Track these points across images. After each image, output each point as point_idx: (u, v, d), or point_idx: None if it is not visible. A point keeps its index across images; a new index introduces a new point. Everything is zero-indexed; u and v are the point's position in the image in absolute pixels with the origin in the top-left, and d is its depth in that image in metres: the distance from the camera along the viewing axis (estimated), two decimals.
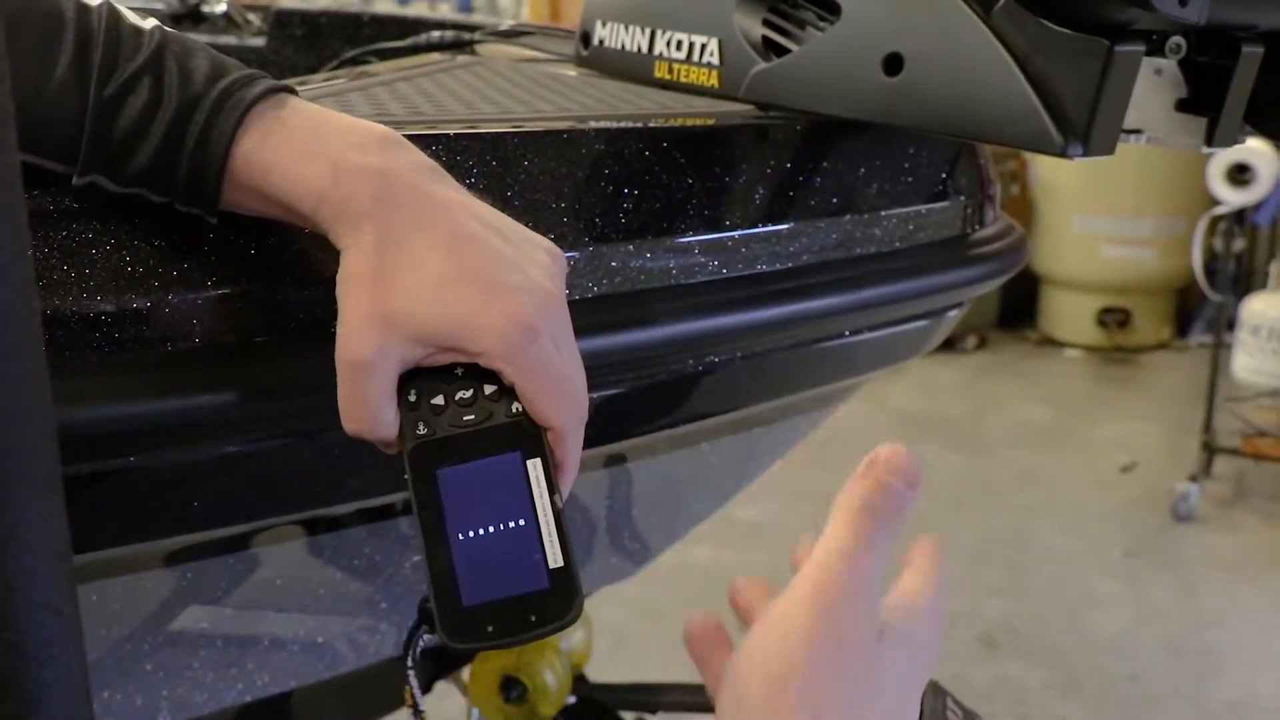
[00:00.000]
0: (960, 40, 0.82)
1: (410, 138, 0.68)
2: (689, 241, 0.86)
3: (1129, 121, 0.92)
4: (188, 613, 0.90)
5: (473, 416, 0.64)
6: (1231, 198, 3.83)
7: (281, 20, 1.86)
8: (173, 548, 0.78)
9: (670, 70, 1.00)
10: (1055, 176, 5.67)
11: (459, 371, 0.64)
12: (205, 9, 1.88)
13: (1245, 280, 5.34)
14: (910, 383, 5.48)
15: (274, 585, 0.90)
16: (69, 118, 0.65)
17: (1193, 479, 4.04)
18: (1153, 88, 0.91)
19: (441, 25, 1.42)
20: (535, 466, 0.63)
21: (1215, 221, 4.33)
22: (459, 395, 0.64)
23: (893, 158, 0.96)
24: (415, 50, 1.27)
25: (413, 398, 0.64)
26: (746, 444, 1.09)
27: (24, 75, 0.64)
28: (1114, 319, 5.66)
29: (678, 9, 0.99)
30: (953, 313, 1.08)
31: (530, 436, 0.63)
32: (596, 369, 0.69)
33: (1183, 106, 0.90)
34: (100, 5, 0.68)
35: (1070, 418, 5.01)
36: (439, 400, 0.64)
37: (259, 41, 1.86)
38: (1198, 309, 5.76)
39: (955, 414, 5.12)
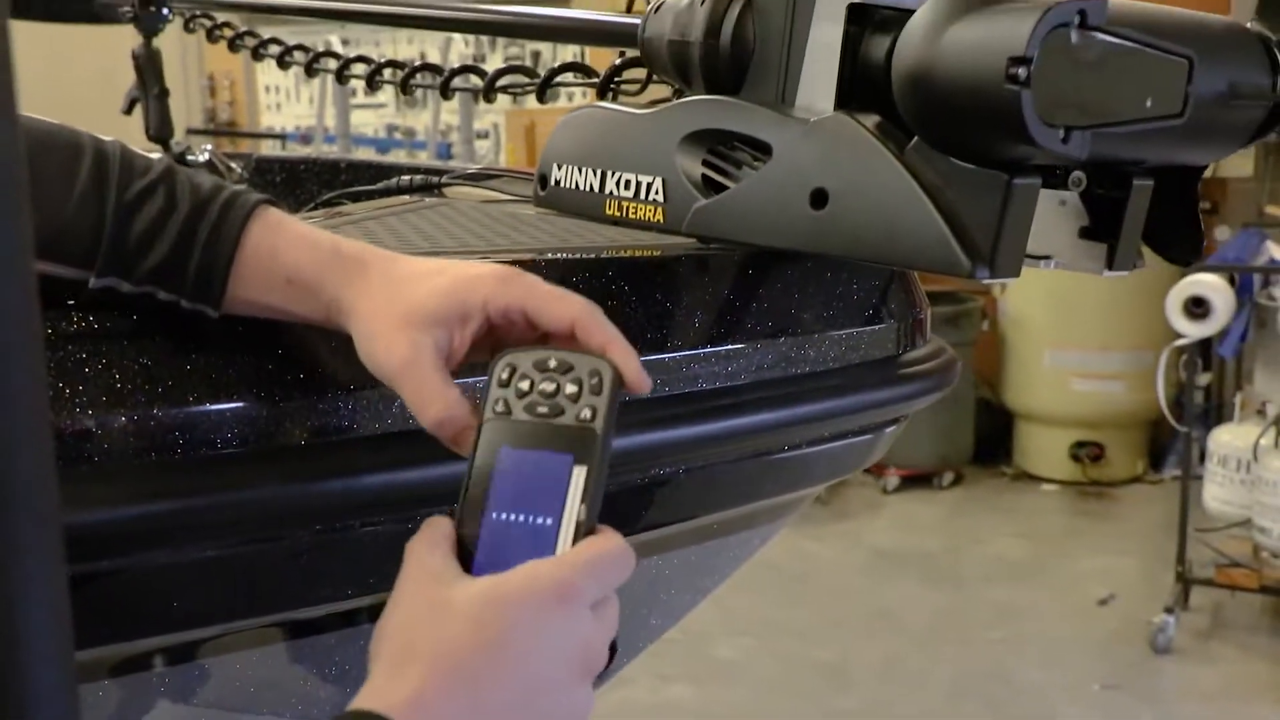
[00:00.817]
0: (878, 176, 0.90)
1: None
2: (663, 358, 0.93)
3: (1039, 248, 1.00)
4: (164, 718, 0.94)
5: (546, 410, 0.70)
6: (1190, 330, 3.94)
7: (261, 167, 1.96)
8: (150, 649, 0.83)
9: (619, 208, 1.08)
10: (1024, 312, 5.79)
11: (552, 364, 0.71)
12: (190, 158, 1.98)
13: (1216, 412, 5.43)
14: (887, 519, 5.52)
15: (247, 691, 0.94)
16: (89, 226, 0.75)
17: (1169, 611, 4.06)
18: (1058, 218, 0.99)
19: (415, 170, 1.51)
20: (580, 474, 0.68)
21: (1179, 354, 4.43)
22: (543, 386, 0.70)
23: (825, 285, 1.04)
24: (387, 192, 1.35)
25: (504, 375, 0.71)
26: (699, 557, 1.15)
27: (47, 192, 0.74)
28: (1087, 453, 5.72)
29: (626, 152, 1.07)
30: (891, 428, 1.15)
31: (588, 444, 0.69)
32: None
33: (1085, 234, 0.98)
34: (113, 140, 0.79)
35: (1047, 552, 5.04)
36: (525, 385, 0.71)
37: (240, 189, 1.95)
38: (1171, 442, 5.83)
39: (932, 550, 5.15)
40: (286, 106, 9.31)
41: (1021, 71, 0.76)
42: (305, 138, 8.47)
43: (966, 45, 0.80)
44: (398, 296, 0.74)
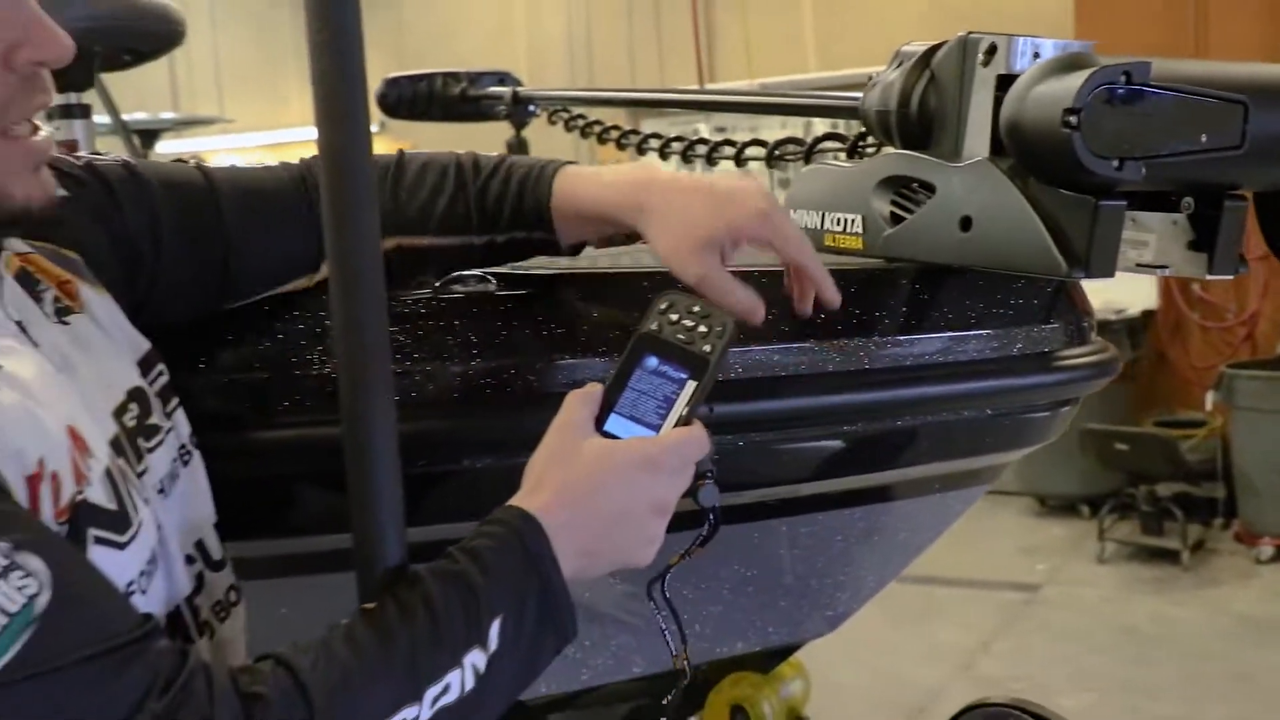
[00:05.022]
0: (1006, 204, 1.18)
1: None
2: (841, 343, 1.26)
3: (1158, 259, 1.25)
4: None
5: (683, 338, 1.03)
6: None
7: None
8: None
9: (834, 239, 1.40)
10: None
11: (696, 309, 1.04)
12: None
13: None
14: (1259, 588, 5.37)
15: None
16: (462, 211, 1.18)
17: None
18: (1171, 235, 1.24)
19: None
20: (691, 387, 1.01)
21: None
22: (685, 322, 1.03)
23: (994, 292, 1.32)
24: None
25: (663, 305, 1.04)
26: (907, 511, 1.43)
27: (435, 198, 1.18)
28: None
29: (838, 196, 1.40)
30: (1065, 409, 1.40)
31: (702, 369, 1.01)
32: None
33: (1191, 246, 1.22)
34: (466, 152, 1.22)
35: None
36: (675, 317, 1.03)
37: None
38: None
39: None
40: None
41: (1073, 119, 1.03)
42: None
43: (1040, 101, 1.08)
44: (681, 231, 1.11)
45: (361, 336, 0.91)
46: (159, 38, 2.22)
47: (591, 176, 1.17)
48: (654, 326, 1.03)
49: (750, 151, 1.93)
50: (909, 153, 1.32)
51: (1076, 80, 1.04)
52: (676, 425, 1.00)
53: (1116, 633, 4.98)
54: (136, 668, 0.78)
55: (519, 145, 2.46)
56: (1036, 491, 6.57)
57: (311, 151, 1.00)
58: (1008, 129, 1.13)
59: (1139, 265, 1.25)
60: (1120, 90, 1.05)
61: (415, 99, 2.69)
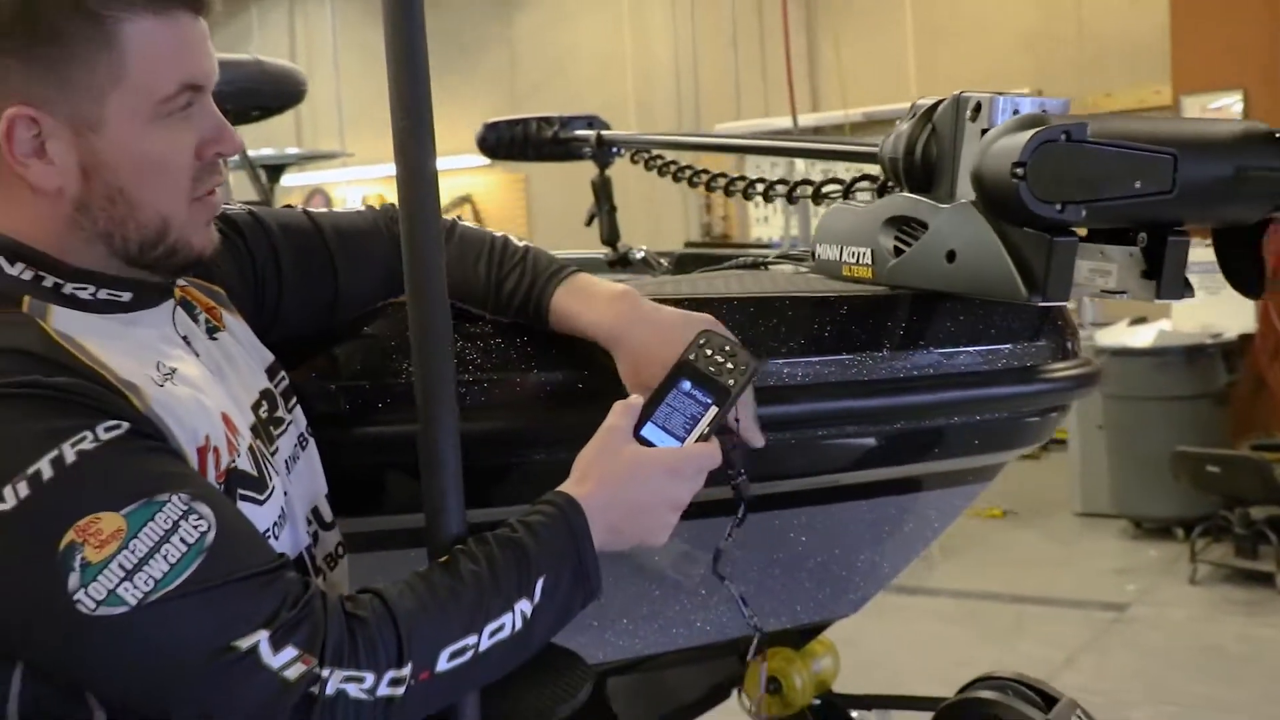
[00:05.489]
0: (981, 239, 1.39)
1: (704, 299, 1.42)
2: (843, 358, 1.48)
3: (1117, 286, 1.45)
4: None
5: (713, 370, 1.25)
6: None
7: (682, 259, 2.63)
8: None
9: (849, 270, 1.62)
10: None
11: (727, 348, 1.26)
12: (630, 256, 2.68)
13: None
14: None
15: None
16: (481, 289, 1.41)
17: None
18: (1128, 265, 1.43)
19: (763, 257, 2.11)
20: (712, 411, 1.24)
21: None
22: (717, 357, 1.26)
23: (984, 314, 1.53)
24: (732, 267, 1.97)
25: (701, 341, 1.27)
26: (920, 504, 1.64)
27: (464, 269, 1.40)
28: None
29: (851, 233, 1.62)
30: (1053, 414, 1.60)
31: (724, 397, 1.24)
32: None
33: (1145, 275, 1.42)
34: (501, 234, 1.44)
35: None
36: (709, 351, 1.26)
37: (666, 275, 2.64)
38: None
39: None
40: (773, 219, 10.16)
41: (1019, 170, 1.25)
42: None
43: (995, 155, 1.29)
44: (640, 370, 1.32)
45: (431, 351, 1.17)
46: (283, 97, 2.53)
47: (586, 298, 1.38)
48: (692, 357, 1.26)
49: (800, 190, 2.16)
50: (909, 195, 1.54)
51: (1024, 137, 1.26)
52: (698, 440, 1.23)
53: (1202, 651, 5.05)
54: (274, 588, 1.05)
55: (603, 184, 2.72)
56: (1132, 514, 6.64)
57: None
58: (973, 178, 1.35)
59: (1103, 291, 1.44)
60: (1061, 145, 1.26)
61: (512, 141, 2.97)
